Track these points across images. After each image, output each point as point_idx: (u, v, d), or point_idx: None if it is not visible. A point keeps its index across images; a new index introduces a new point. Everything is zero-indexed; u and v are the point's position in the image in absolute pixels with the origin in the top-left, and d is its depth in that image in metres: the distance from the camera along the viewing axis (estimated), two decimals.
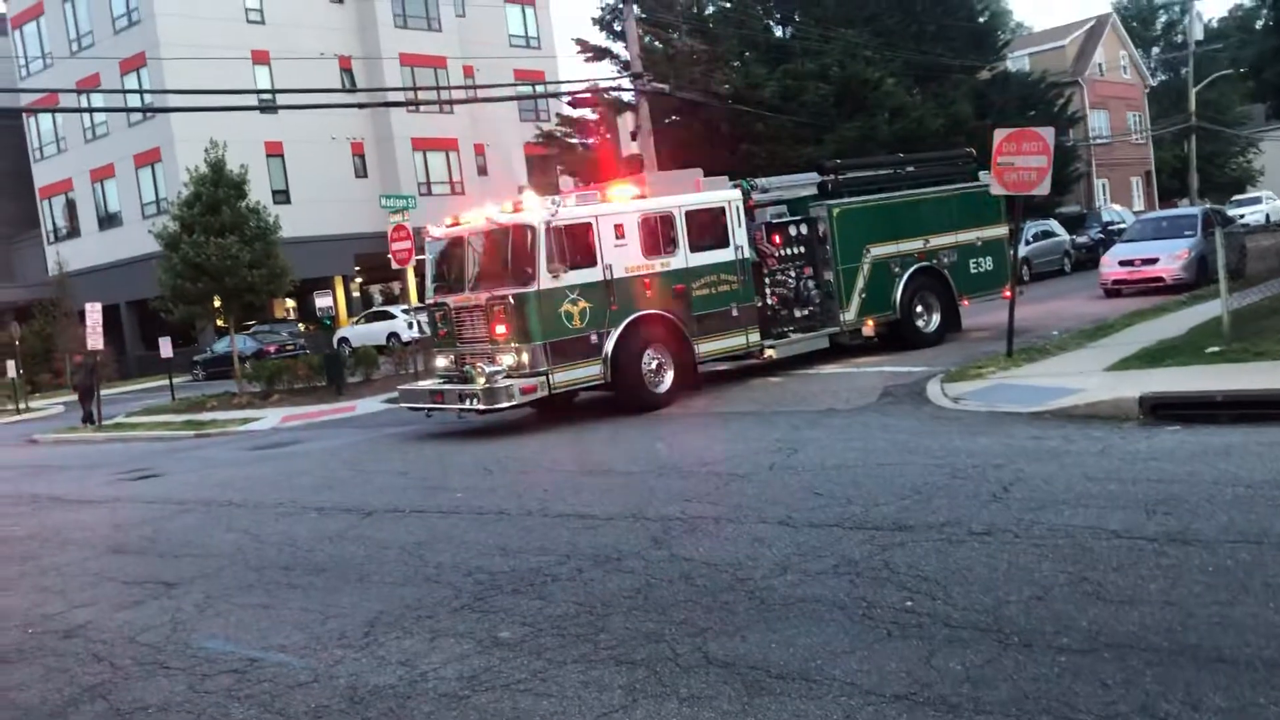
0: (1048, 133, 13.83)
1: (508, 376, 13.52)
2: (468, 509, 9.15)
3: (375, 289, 46.40)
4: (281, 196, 39.14)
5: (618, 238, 14.16)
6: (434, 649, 5.53)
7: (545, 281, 13.46)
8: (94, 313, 24.77)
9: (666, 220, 14.68)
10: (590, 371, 13.89)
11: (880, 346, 16.97)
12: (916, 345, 16.71)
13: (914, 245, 17.06)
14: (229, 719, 4.96)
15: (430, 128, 43.95)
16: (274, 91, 36.89)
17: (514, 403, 13.49)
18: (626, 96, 29.60)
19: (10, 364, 35.18)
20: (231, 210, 25.58)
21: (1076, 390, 10.62)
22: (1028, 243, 29.40)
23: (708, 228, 15.12)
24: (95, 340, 24.42)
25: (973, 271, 17.73)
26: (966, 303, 17.72)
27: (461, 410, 14.12)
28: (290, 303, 40.10)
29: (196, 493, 12.46)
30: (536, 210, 13.64)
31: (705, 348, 14.89)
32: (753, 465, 9.23)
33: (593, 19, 35.49)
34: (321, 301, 29.05)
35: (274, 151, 40.42)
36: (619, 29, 33.09)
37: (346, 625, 6.13)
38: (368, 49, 42.56)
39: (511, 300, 13.51)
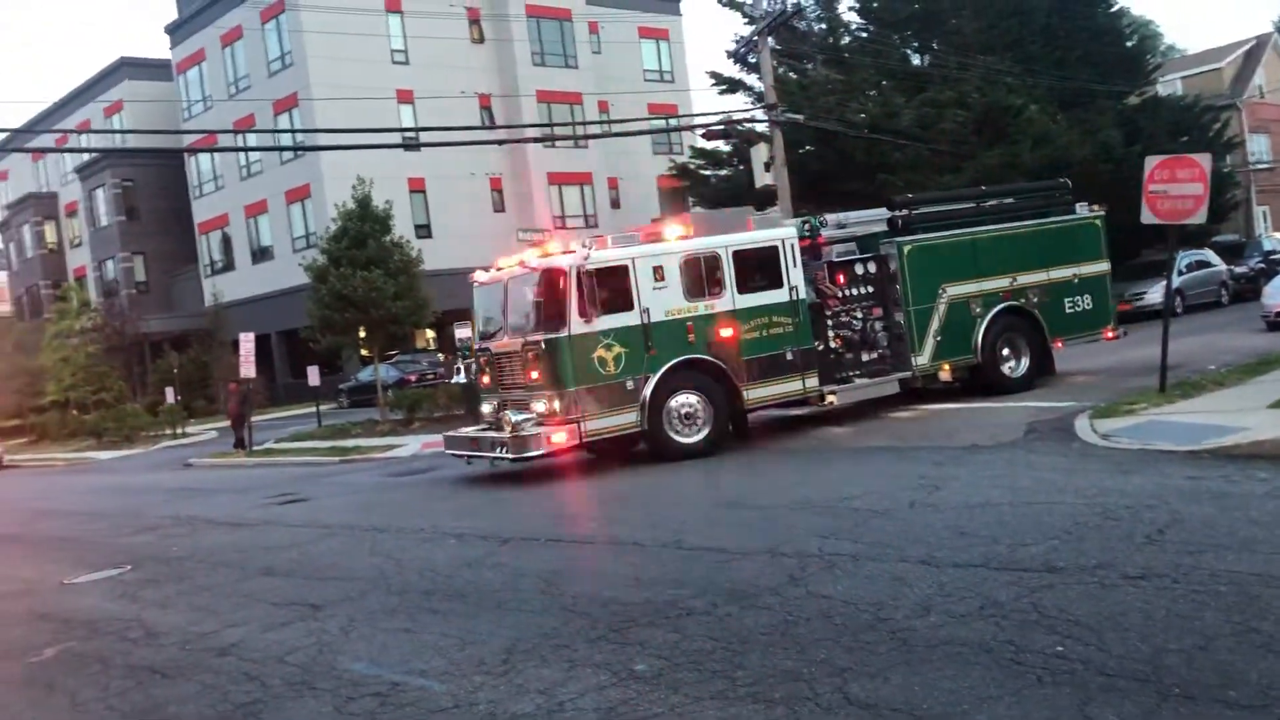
0: (1204, 159, 13.22)
1: (539, 424, 13.32)
2: (602, 539, 9.19)
3: None
4: (423, 230, 40.39)
5: (657, 280, 13.70)
6: (571, 678, 5.54)
7: (576, 327, 13.22)
8: (247, 342, 25.90)
9: (712, 261, 14.10)
10: (627, 419, 13.48)
11: (962, 391, 15.92)
12: (1002, 391, 15.60)
13: (998, 284, 15.93)
14: None
15: (565, 162, 44.79)
16: (417, 130, 38.13)
17: (542, 451, 13.27)
18: (760, 128, 29.60)
19: (169, 390, 37.09)
20: (376, 244, 26.49)
21: (1238, 429, 10.07)
22: (1180, 273, 28.17)
23: (759, 268, 14.44)
24: (248, 369, 25.50)
25: (1068, 311, 16.46)
26: (1060, 345, 16.57)
27: (494, 459, 14.00)
28: (430, 333, 41.23)
29: (340, 517, 12.86)
30: (568, 254, 13.49)
31: (756, 393, 14.23)
32: (892, 502, 9.03)
33: (726, 52, 35.77)
34: (461, 333, 29.75)
35: (416, 187, 41.78)
36: (753, 61, 33.11)
37: (485, 652, 6.20)
38: (506, 87, 43.69)
39: (543, 345, 13.34)
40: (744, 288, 14.22)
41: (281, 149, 40.62)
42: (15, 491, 24.07)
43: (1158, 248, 28.52)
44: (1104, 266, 16.95)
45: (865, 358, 15.49)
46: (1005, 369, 16.01)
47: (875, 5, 37.07)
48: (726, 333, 14.03)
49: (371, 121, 31.60)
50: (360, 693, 5.77)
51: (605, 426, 13.44)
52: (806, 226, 15.43)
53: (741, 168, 32.76)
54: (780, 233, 14.82)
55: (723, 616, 6.31)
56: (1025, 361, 16.15)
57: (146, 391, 43.50)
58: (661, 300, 13.68)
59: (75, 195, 54.64)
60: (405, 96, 41.22)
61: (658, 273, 13.74)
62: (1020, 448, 11.26)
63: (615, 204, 46.80)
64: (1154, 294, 26.42)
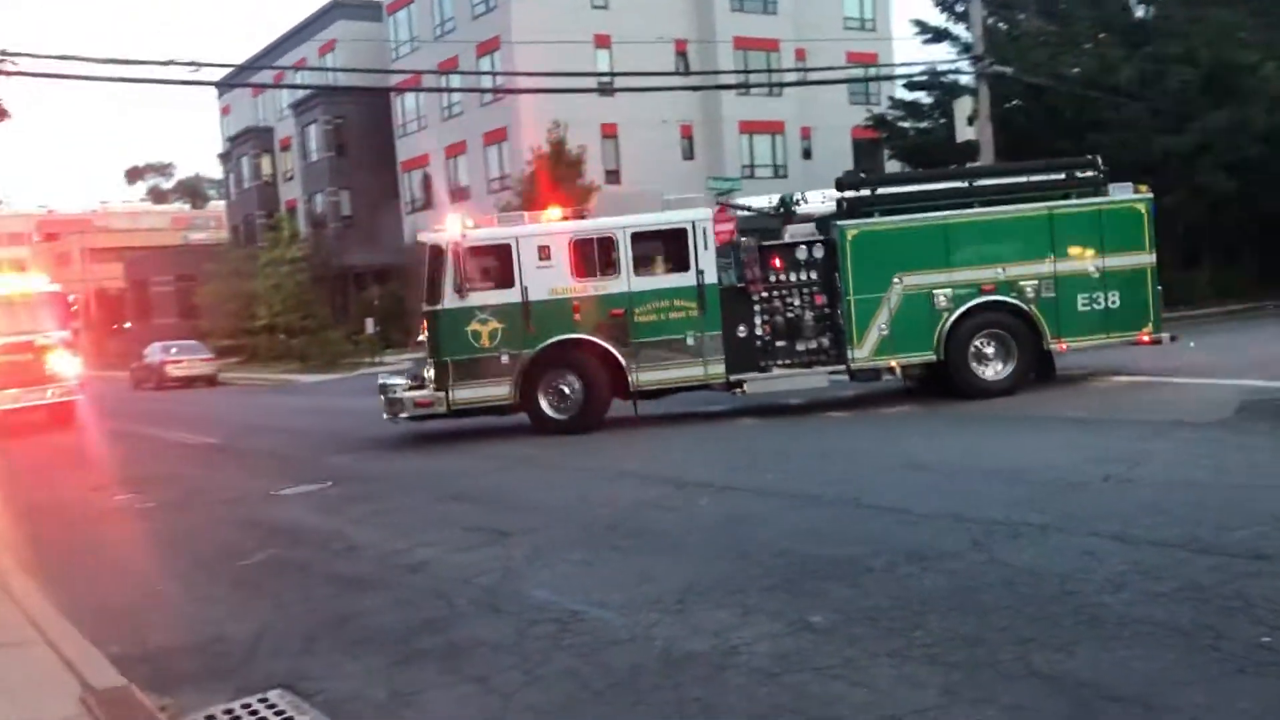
0: None
1: (409, 389, 14.45)
2: (781, 491, 9.19)
3: None
4: (613, 176, 40.79)
5: (542, 259, 13.98)
6: (745, 624, 5.60)
7: (450, 301, 13.93)
8: None
9: (605, 242, 14.13)
10: (497, 392, 14.03)
11: (923, 392, 14.79)
12: (971, 395, 14.01)
13: (979, 275, 14.14)
14: (552, 665, 5.25)
15: (758, 111, 44.30)
16: (612, 75, 38.41)
17: (408, 415, 14.32)
18: (965, 80, 28.51)
19: (368, 321, 38.97)
20: (569, 188, 26.96)
21: None
22: None
23: (662, 251, 14.31)
24: None
25: (1081, 309, 14.18)
26: (1064, 347, 14.31)
27: (384, 415, 14.92)
28: None
29: (525, 450, 13.30)
30: (447, 231, 14.07)
31: (647, 376, 14.14)
32: (1085, 475, 8.66)
33: (933, 0, 34.38)
34: None
35: (609, 133, 42.14)
36: (961, 10, 31.86)
37: (662, 590, 6.32)
38: (703, 33, 43.39)
39: (424, 317, 14.29)
40: (642, 270, 14.19)
41: (482, 90, 41.66)
42: (229, 408, 25.89)
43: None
44: (1145, 259, 14.34)
45: (801, 347, 14.52)
46: (980, 370, 14.23)
47: None
48: (617, 315, 14.03)
49: (568, 66, 32.02)
50: (541, 618, 6.00)
51: (475, 396, 14.14)
52: (705, 210, 14.72)
53: (942, 121, 31.65)
54: (691, 215, 14.41)
55: (901, 576, 6.24)
56: (1011, 363, 14.21)
57: (348, 321, 45.77)
58: (546, 279, 13.98)
59: (290, 131, 57.53)
60: (603, 41, 41.50)
61: (543, 252, 14.03)
62: (1229, 427, 10.60)
63: (807, 155, 46.05)
64: None
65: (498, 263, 14.22)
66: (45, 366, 21.11)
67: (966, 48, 29.32)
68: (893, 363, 14.40)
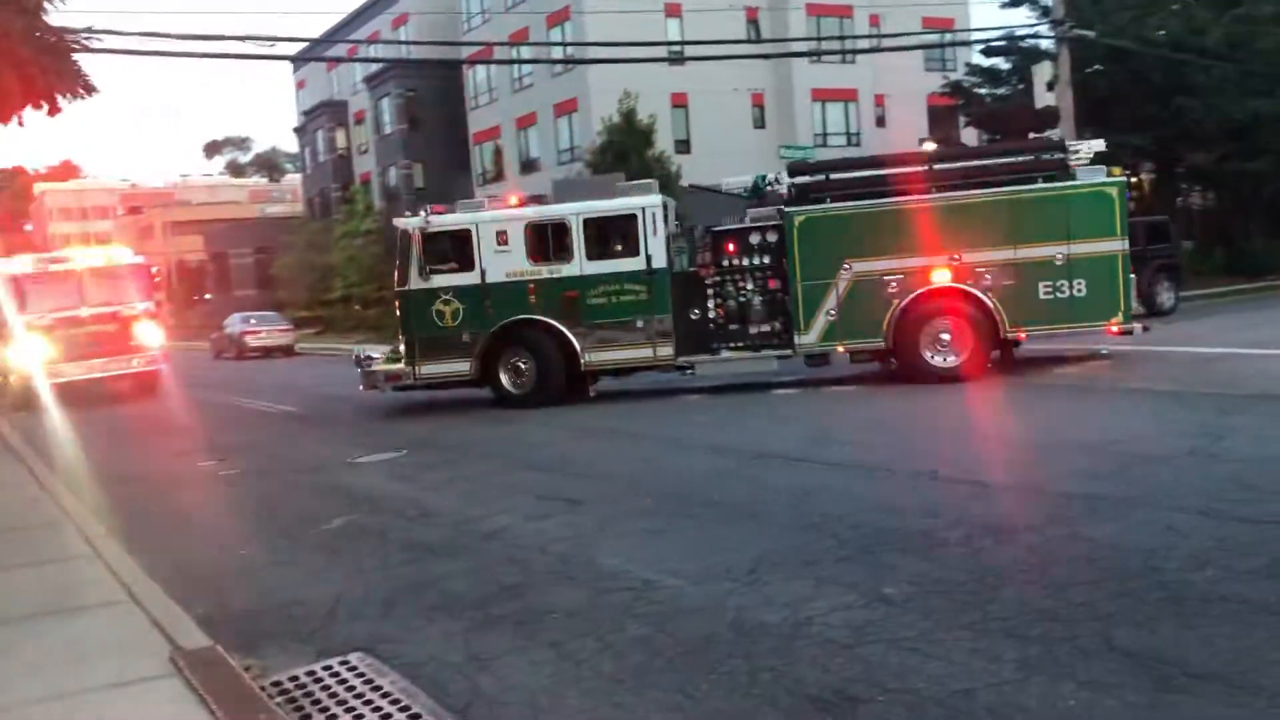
0: None
1: (384, 364, 15.76)
2: (854, 463, 9.13)
3: None
4: (683, 146, 40.57)
5: (500, 244, 14.79)
6: (819, 595, 5.58)
7: (415, 283, 15.03)
8: None
9: (559, 228, 14.78)
10: (459, 367, 15.03)
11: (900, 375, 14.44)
12: (923, 380, 13.78)
13: (931, 261, 13.90)
14: (625, 633, 5.29)
15: (831, 78, 43.67)
16: (683, 44, 38.13)
17: (380, 388, 15.79)
18: (1044, 44, 27.80)
19: None
20: (639, 158, 26.90)
21: None
22: None
23: (613, 236, 14.75)
24: None
25: (1043, 297, 13.70)
26: (1023, 336, 14.04)
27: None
28: None
29: (598, 421, 13.37)
30: (414, 218, 15.24)
31: (597, 357, 14.74)
32: (1170, 448, 8.47)
33: None
34: None
35: (679, 102, 41.87)
36: None
37: (734, 560, 6.33)
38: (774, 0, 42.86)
39: (396, 297, 15.56)
40: (594, 254, 14.69)
41: (553, 61, 41.65)
42: (306, 378, 26.34)
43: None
44: (1115, 245, 13.65)
45: (753, 330, 14.66)
46: (932, 357, 13.98)
47: None
48: (570, 297, 14.66)
49: (639, 35, 31.84)
50: (614, 586, 6.04)
51: (439, 371, 15.20)
52: (656, 197, 14.80)
53: (1021, 87, 30.94)
54: (640, 201, 14.70)
55: (977, 549, 6.17)
56: (962, 352, 13.89)
57: None
58: (503, 263, 14.81)
59: (364, 104, 58.11)
60: (673, 10, 41.17)
61: (500, 237, 14.82)
62: None
63: (881, 122, 45.34)
64: None
65: (459, 247, 15.06)
66: (130, 337, 21.68)
67: (1046, 11, 28.58)
68: (840, 348, 14.42)
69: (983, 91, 34.60)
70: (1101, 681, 4.24)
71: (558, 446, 11.54)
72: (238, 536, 8.44)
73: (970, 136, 38.59)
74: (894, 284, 14.00)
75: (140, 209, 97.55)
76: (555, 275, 14.77)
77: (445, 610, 5.92)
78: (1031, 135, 28.90)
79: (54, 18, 10.61)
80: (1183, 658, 4.40)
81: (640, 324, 14.66)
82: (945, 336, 13.98)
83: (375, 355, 16.37)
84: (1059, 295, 13.70)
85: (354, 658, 5.28)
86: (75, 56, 11.02)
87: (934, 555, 6.11)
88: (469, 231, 15.02)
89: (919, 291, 13.94)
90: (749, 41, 41.35)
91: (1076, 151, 14.34)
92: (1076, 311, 13.76)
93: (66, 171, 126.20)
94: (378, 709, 4.66)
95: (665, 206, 14.95)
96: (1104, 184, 13.79)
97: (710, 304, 14.74)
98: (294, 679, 5.08)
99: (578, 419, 13.71)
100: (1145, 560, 5.69)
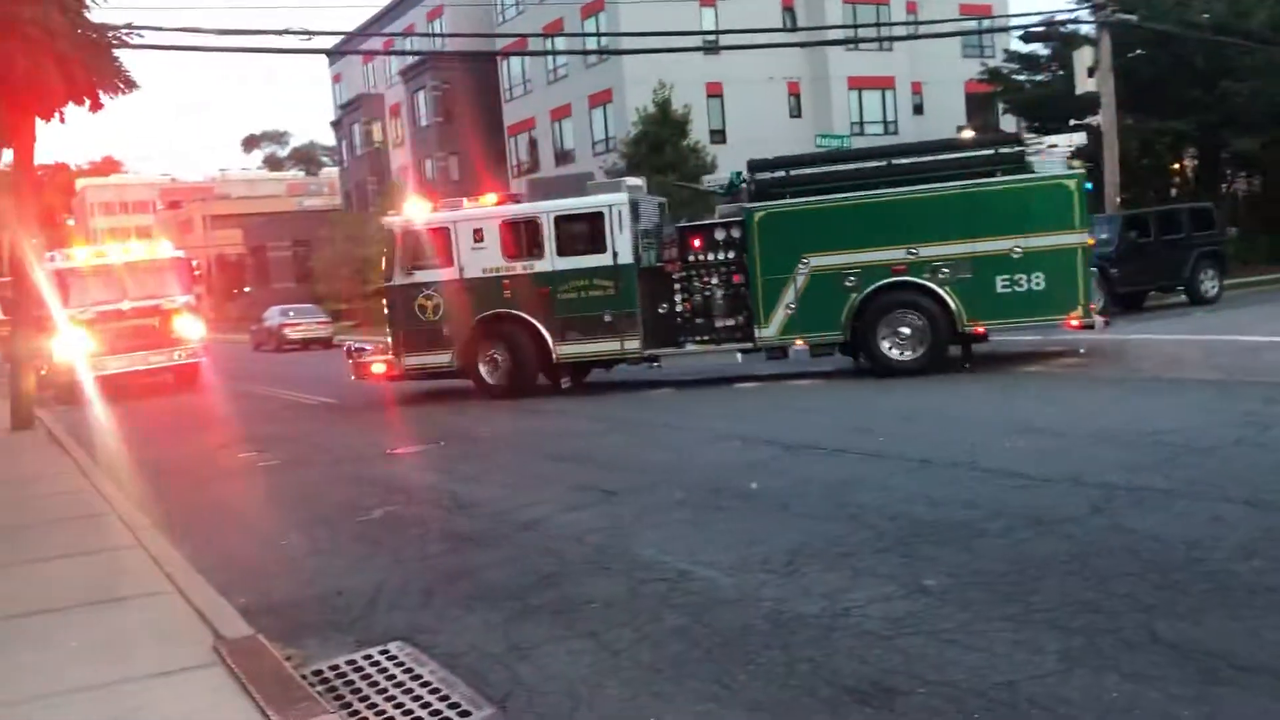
0: None
1: (372, 354, 16.83)
2: (890, 454, 9.07)
3: None
4: (718, 136, 40.46)
5: (476, 241, 15.39)
6: (856, 586, 5.55)
7: (399, 278, 15.85)
8: None
9: (531, 225, 15.30)
10: (441, 359, 15.82)
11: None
12: (885, 374, 14.03)
13: (887, 256, 14.00)
14: (663, 623, 5.29)
15: (867, 66, 43.36)
16: (718, 33, 37.99)
17: (368, 378, 16.72)
18: (1085, 29, 27.43)
19: None
20: (673, 149, 26.88)
21: None
22: None
23: (581, 233, 15.15)
24: None
25: (1000, 291, 13.72)
26: (982, 330, 14.05)
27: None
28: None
29: (625, 412, 13.38)
30: (398, 217, 16.09)
31: (568, 349, 15.30)
32: (1214, 438, 8.34)
33: None
34: None
35: (714, 92, 41.77)
36: None
37: (770, 551, 6.31)
38: None
39: (383, 292, 16.50)
40: (564, 251, 15.14)
41: (587, 53, 41.63)
42: (344, 370, 26.50)
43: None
44: (1074, 238, 13.59)
45: (719, 324, 15.01)
46: (890, 350, 14.16)
47: None
48: (542, 292, 15.17)
49: (673, 25, 31.75)
50: (650, 576, 6.04)
51: (422, 363, 16.00)
52: (622, 194, 15.19)
53: (1061, 73, 30.53)
54: (607, 199, 15.15)
55: (1018, 541, 6.11)
56: (921, 346, 14.03)
57: None
58: (480, 259, 15.43)
59: (399, 97, 58.43)
60: (707, 0, 41.06)
61: (477, 235, 15.43)
62: None
63: (918, 110, 44.98)
64: None
65: (439, 244, 15.70)
66: (171, 330, 21.95)
67: None
68: (799, 341, 14.60)
69: (1021, 78, 34.19)
70: (1146, 674, 4.19)
71: (592, 438, 11.56)
72: (278, 527, 8.53)
73: (1009, 124, 38.20)
74: (851, 278, 14.17)
75: (180, 203, 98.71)
76: (528, 271, 15.33)
77: (483, 600, 5.94)
78: (1072, 122, 28.58)
79: (95, 14, 10.76)
80: (1229, 650, 4.34)
81: (608, 318, 15.07)
82: (905, 330, 14.09)
83: (366, 347, 17.63)
84: (1017, 289, 13.71)
85: (394, 647, 5.31)
86: (116, 53, 11.16)
87: (973, 546, 6.06)
88: (448, 229, 15.66)
89: (876, 285, 14.07)
90: (784, 30, 41.10)
91: (1037, 145, 14.44)
92: (1035, 305, 13.74)
93: (107, 167, 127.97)
94: (418, 698, 4.69)
95: (635, 205, 15.28)
96: (1061, 177, 13.75)
97: (677, 298, 15.10)
98: (334, 668, 5.12)
99: (609, 411, 13.73)
100: (1189, 551, 5.61)
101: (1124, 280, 20.94)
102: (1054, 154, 14.22)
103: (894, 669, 4.46)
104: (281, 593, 6.53)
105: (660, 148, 27.10)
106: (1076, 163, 14.17)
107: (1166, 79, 27.77)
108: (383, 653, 5.26)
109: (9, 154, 17.62)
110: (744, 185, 15.45)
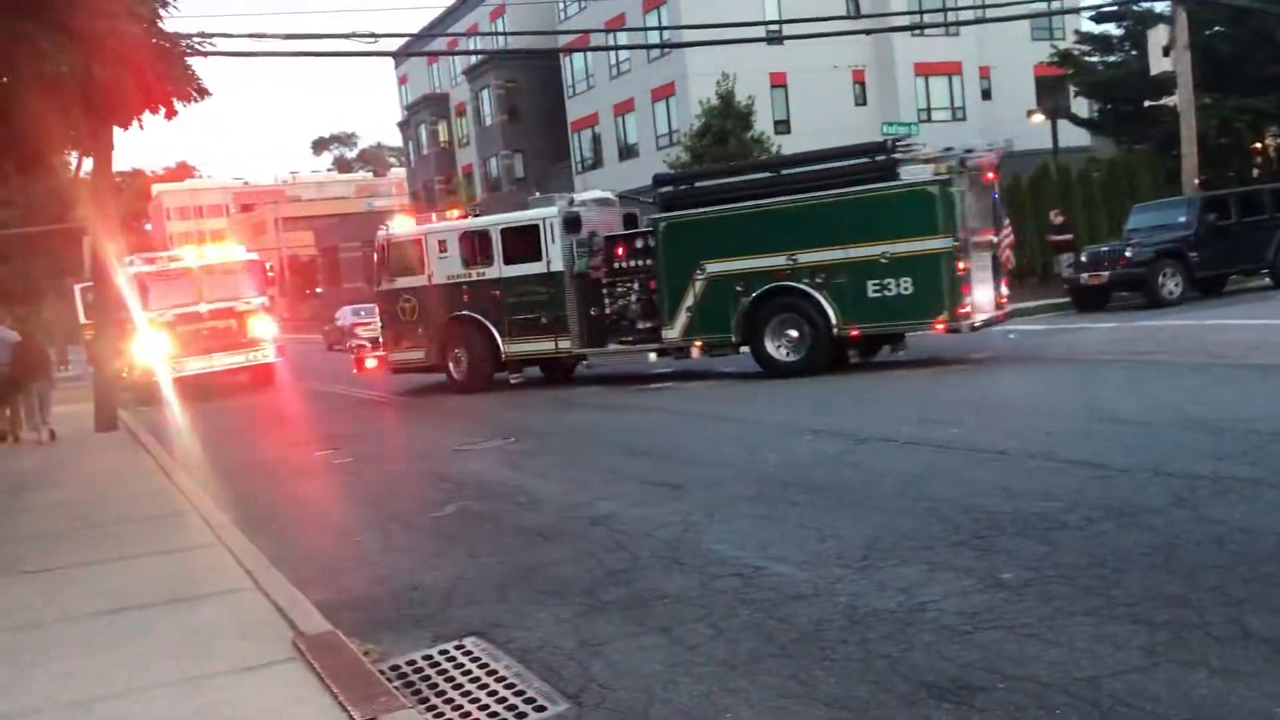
0: None
1: (368, 350, 19.96)
2: (964, 445, 8.93)
3: None
4: (783, 127, 40.16)
5: (441, 252, 17.58)
6: (932, 580, 5.47)
7: (384, 284, 18.30)
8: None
9: (483, 237, 17.31)
10: (418, 355, 18.07)
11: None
12: (774, 375, 14.74)
13: (770, 262, 14.71)
14: (736, 619, 5.26)
15: (934, 52, 42.71)
16: (781, 22, 37.68)
17: (365, 371, 19.51)
18: (1160, 7, 26.74)
19: None
20: (737, 140, 26.76)
21: None
22: None
23: (522, 243, 16.80)
24: None
25: (871, 296, 14.11)
26: (857, 333, 14.44)
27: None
28: None
29: (700, 405, 13.35)
30: (384, 230, 18.53)
31: (514, 349, 17.08)
32: None
33: None
34: None
35: (778, 82, 41.45)
36: None
37: (844, 546, 6.24)
38: None
39: (375, 297, 18.98)
40: (509, 260, 16.93)
41: (650, 46, 41.57)
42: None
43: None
44: (937, 244, 13.74)
45: (639, 326, 16.25)
46: (777, 351, 14.92)
47: None
48: (493, 296, 17.04)
49: (735, 16, 31.56)
50: (723, 572, 6.01)
51: (404, 359, 18.40)
52: (554, 208, 16.80)
53: (1134, 53, 29.76)
54: (542, 213, 16.88)
55: (1098, 533, 5.97)
56: (801, 348, 14.73)
57: None
58: (445, 268, 17.57)
59: (464, 97, 58.93)
60: None
61: (442, 245, 17.63)
62: None
63: (986, 95, 44.20)
64: None
65: (414, 254, 17.96)
66: (246, 331, 22.42)
67: None
68: (697, 342, 15.53)
69: (1094, 59, 33.39)
70: (1236, 670, 4.06)
71: (660, 433, 11.55)
72: (353, 523, 8.65)
73: (1081, 107, 37.38)
74: (741, 284, 15.00)
75: (252, 206, 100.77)
76: (482, 278, 17.24)
77: (556, 595, 5.97)
78: (1146, 103, 27.88)
79: (168, 24, 10.99)
80: None
81: (544, 320, 16.73)
82: (792, 333, 14.81)
83: (368, 344, 20.35)
84: (886, 293, 14.12)
85: (468, 642, 5.36)
86: (188, 61, 11.40)
87: (1052, 539, 5.93)
88: (420, 240, 17.96)
89: (762, 290, 14.83)
90: (848, 17, 40.62)
91: (910, 150, 14.83)
92: (903, 309, 14.11)
93: (182, 172, 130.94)
94: (493, 693, 4.73)
95: (575, 217, 16.66)
96: (923, 184, 13.94)
97: (605, 302, 16.45)
98: (411, 663, 5.18)
99: (677, 404, 13.72)
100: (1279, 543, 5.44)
101: (1203, 264, 20.37)
102: (923, 161, 14.45)
103: (973, 664, 4.39)
104: (358, 588, 6.63)
105: (724, 139, 26.98)
106: (944, 168, 14.12)
107: (1245, 56, 26.91)
108: (458, 648, 5.31)
109: (89, 162, 18.10)
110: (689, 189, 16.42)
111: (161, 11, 10.99)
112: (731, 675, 4.58)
